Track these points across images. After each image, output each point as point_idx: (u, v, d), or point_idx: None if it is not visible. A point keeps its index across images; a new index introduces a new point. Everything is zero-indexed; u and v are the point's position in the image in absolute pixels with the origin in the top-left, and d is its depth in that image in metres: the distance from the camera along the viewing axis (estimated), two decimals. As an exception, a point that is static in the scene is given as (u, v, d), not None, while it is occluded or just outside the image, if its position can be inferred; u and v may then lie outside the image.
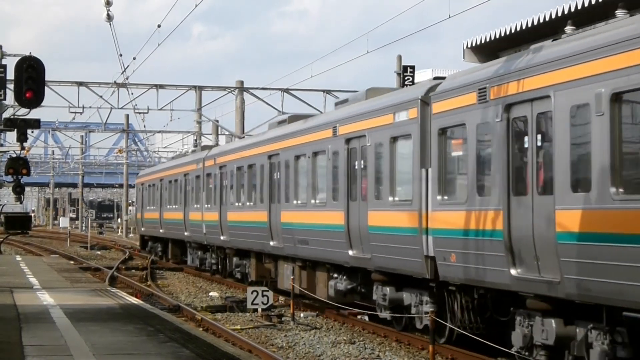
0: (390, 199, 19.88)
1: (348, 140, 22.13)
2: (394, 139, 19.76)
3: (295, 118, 28.58)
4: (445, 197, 17.64)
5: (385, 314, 20.70)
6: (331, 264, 23.75)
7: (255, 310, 24.93)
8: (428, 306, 18.63)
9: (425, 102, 18.43)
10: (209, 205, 36.09)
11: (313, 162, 24.59)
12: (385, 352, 18.99)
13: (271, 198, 28.23)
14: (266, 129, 32.30)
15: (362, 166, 21.43)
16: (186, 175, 40.72)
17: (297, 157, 25.83)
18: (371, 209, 20.89)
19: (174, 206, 43.13)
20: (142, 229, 53.88)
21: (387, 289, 20.39)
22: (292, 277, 26.17)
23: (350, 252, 21.88)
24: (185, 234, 40.39)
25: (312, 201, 24.62)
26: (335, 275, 23.60)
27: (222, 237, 33.89)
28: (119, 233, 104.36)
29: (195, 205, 38.43)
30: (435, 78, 19.50)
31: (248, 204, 30.79)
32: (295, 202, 26.01)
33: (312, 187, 24.64)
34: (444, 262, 17.53)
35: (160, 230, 46.81)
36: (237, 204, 32.25)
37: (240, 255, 33.23)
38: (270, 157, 28.37)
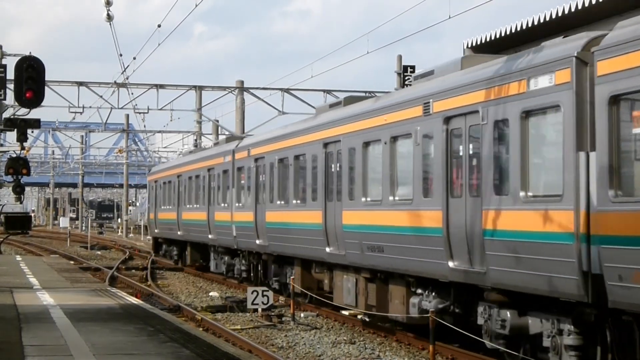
0: (523, 193, 14.88)
1: (447, 120, 17.30)
2: (527, 114, 14.90)
3: (352, 99, 24.41)
4: (620, 192, 12.84)
5: (497, 344, 16.02)
6: (415, 277, 19.08)
7: (256, 310, 24.91)
8: (571, 338, 14.24)
9: (583, 60, 13.71)
10: (241, 204, 31.79)
11: (392, 148, 19.84)
12: (385, 352, 18.98)
13: (327, 195, 23.57)
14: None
15: (471, 153, 16.68)
16: (210, 170, 36.26)
17: (367, 144, 21.21)
18: (489, 207, 15.70)
19: (195, 205, 38.84)
20: (156, 230, 48.85)
21: (508, 313, 15.48)
22: (292, 276, 26.15)
23: (452, 264, 16.98)
24: (210, 236, 36.00)
25: (390, 198, 19.80)
26: (420, 290, 18.94)
27: (258, 241, 29.37)
28: (119, 233, 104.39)
29: (223, 204, 34.16)
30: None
31: (294, 202, 26.17)
32: (363, 199, 21.24)
33: (391, 180, 19.88)
34: (617, 283, 12.71)
35: (178, 233, 42.06)
36: (278, 202, 27.59)
37: (280, 262, 28.64)
38: (326, 145, 23.60)
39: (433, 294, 18.36)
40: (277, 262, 28.72)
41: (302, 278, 26.05)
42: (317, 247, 23.86)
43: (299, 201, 25.83)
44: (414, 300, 19.01)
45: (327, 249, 23.25)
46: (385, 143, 20.07)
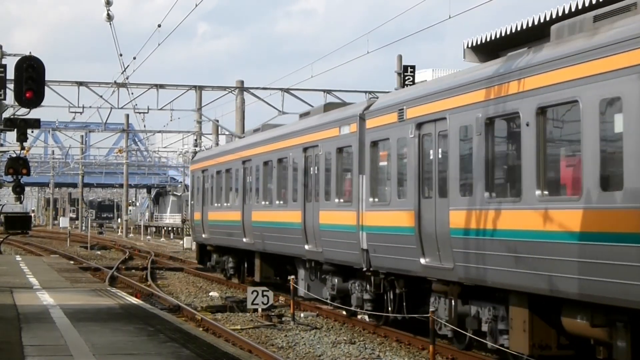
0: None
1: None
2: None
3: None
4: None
5: None
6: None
7: (256, 310, 24.92)
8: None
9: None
10: (377, 200, 21.01)
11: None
12: (385, 352, 18.98)
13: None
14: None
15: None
16: (309, 149, 25.42)
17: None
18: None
19: (278, 202, 28.10)
20: (204, 235, 37.64)
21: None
22: (295, 279, 26.13)
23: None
24: (307, 247, 24.92)
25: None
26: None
27: (424, 260, 18.29)
28: (119, 233, 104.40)
29: (338, 200, 23.15)
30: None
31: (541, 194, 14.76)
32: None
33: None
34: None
35: (244, 240, 31.24)
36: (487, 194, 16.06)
37: (477, 296, 17.14)
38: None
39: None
40: (471, 295, 17.40)
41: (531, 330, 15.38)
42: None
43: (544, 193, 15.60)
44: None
45: None
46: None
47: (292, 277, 25.68)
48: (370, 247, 20.92)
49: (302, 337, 21.04)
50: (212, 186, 36.39)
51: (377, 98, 22.88)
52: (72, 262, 47.00)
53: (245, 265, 33.50)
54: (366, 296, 21.99)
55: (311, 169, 25.19)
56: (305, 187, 25.48)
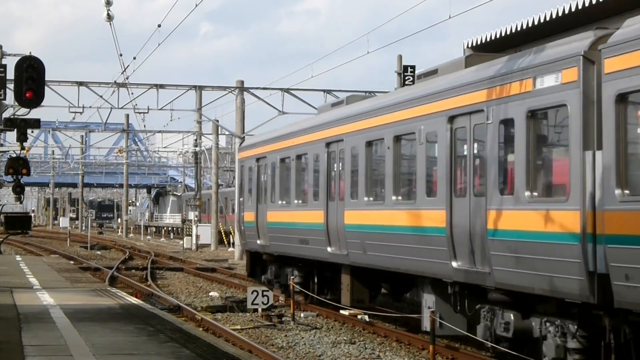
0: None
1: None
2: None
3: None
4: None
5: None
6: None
7: (256, 310, 24.91)
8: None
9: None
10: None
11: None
12: (385, 352, 18.97)
13: None
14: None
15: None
16: (458, 118, 16.85)
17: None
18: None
19: (395, 198, 19.50)
20: (260, 241, 29.12)
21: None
22: (295, 279, 26.09)
23: None
24: (455, 264, 16.75)
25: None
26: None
27: None
28: (119, 233, 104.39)
29: (532, 194, 14.67)
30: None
31: None
32: None
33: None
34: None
35: (329, 249, 23.21)
36: None
37: None
38: None
39: None
40: None
41: None
42: None
43: None
44: None
45: None
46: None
47: (293, 277, 25.63)
48: (615, 271, 12.52)
49: (302, 337, 21.04)
50: (274, 178, 27.92)
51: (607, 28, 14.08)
52: (72, 262, 46.99)
53: (316, 281, 25.98)
54: (572, 343, 14.08)
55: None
56: (478, 175, 16.33)
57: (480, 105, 15.71)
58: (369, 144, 20.79)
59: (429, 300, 18.21)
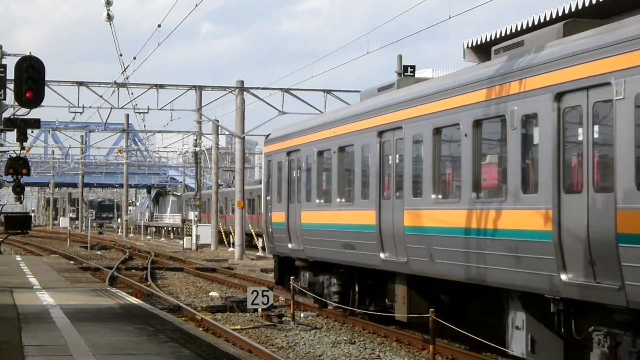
0: None
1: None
2: None
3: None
4: None
5: None
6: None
7: (256, 310, 24.91)
8: None
9: None
10: None
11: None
12: (385, 352, 18.97)
13: None
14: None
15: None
16: (568, 95, 13.64)
17: None
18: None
19: (472, 195, 16.20)
20: (291, 245, 25.95)
21: None
22: (292, 277, 26.07)
23: None
24: (565, 277, 13.55)
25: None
26: None
27: None
28: (119, 233, 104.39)
29: None
30: None
31: None
32: None
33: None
34: None
35: (382, 256, 19.89)
36: None
37: None
38: None
39: None
40: None
41: None
42: None
43: None
44: None
45: None
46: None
47: (293, 277, 25.63)
48: None
49: (302, 337, 21.04)
50: (310, 173, 24.58)
51: None
52: (72, 262, 47.00)
53: (357, 289, 22.91)
54: None
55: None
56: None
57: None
58: (437, 130, 17.49)
59: (517, 318, 15.04)
